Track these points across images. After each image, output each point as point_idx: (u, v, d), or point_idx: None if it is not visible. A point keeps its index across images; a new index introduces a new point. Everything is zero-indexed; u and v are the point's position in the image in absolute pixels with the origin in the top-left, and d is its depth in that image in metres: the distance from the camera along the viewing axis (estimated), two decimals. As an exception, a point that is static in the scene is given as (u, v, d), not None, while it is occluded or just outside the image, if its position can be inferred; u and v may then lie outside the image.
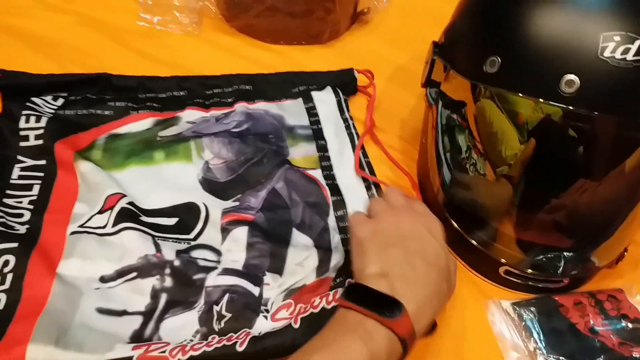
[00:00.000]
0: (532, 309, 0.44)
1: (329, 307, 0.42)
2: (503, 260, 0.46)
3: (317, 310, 0.42)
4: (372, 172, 0.54)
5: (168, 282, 0.44)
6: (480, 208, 0.47)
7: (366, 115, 0.59)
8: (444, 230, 0.43)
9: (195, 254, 0.46)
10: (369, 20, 0.72)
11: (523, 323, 0.43)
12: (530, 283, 0.46)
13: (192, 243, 0.47)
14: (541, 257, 0.46)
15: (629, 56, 0.37)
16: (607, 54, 0.37)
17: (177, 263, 0.45)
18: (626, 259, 0.48)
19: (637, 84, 0.38)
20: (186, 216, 0.49)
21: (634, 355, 0.42)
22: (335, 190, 0.53)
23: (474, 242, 0.47)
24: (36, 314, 0.40)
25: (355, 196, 0.52)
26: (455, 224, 0.48)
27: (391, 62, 0.67)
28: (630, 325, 0.44)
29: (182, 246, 0.46)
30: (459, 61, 0.45)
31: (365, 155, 0.56)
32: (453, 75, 0.45)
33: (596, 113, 0.38)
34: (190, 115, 0.57)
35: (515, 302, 0.45)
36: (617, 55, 0.37)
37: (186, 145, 0.54)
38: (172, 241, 0.47)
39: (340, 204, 0.52)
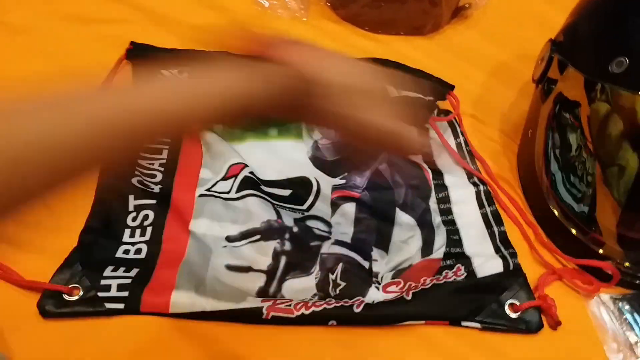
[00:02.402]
0: (633, 302, 0.46)
1: (440, 283, 0.45)
2: (600, 251, 0.48)
3: (427, 287, 0.45)
4: (472, 160, 0.57)
5: (287, 245, 0.47)
6: (583, 202, 0.49)
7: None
8: None
9: (310, 223, 0.50)
10: (468, 15, 0.73)
11: (623, 316, 0.45)
12: (628, 279, 0.47)
13: (306, 214, 0.51)
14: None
15: None
16: None
17: (295, 229, 0.48)
18: None
19: None
20: (299, 188, 0.52)
21: None
22: (436, 173, 0.55)
23: (573, 231, 0.49)
24: (177, 264, 0.44)
25: (457, 179, 0.55)
26: (556, 213, 0.49)
27: (490, 57, 0.68)
28: None
29: (298, 215, 0.50)
30: (580, 60, 0.46)
31: (466, 144, 0.58)
32: (572, 74, 0.47)
33: None
34: (300, 96, 0.61)
35: (614, 295, 0.47)
36: None
37: (298, 124, 0.58)
38: (289, 210, 0.50)
39: (441, 187, 0.54)
